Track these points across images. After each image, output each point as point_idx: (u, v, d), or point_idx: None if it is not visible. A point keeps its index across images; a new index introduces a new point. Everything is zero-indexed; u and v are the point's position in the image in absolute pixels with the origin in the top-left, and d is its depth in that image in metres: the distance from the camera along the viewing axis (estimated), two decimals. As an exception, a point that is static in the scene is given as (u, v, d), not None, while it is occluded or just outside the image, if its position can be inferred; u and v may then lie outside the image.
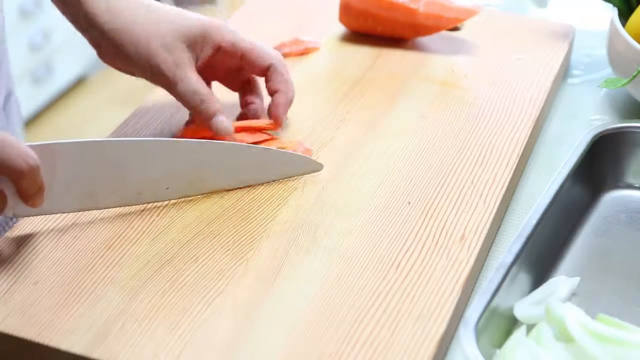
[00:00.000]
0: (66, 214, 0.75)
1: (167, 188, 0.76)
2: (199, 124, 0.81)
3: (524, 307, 0.67)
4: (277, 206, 0.77)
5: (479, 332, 0.62)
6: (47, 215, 0.75)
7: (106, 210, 0.76)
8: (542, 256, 0.72)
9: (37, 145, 0.69)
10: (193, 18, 0.81)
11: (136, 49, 0.79)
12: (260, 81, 0.86)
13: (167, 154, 0.75)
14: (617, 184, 0.82)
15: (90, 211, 0.76)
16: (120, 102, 2.55)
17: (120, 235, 0.73)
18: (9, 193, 0.69)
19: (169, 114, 0.89)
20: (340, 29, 1.04)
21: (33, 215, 0.73)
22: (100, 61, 0.83)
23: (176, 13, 0.81)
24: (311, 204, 0.77)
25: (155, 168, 0.75)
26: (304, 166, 0.80)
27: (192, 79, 0.80)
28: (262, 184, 0.79)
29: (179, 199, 0.77)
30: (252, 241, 0.73)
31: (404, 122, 0.87)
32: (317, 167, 0.80)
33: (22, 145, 0.67)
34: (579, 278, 0.71)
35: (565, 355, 0.62)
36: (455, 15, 0.99)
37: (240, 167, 0.78)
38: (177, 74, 0.80)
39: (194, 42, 0.81)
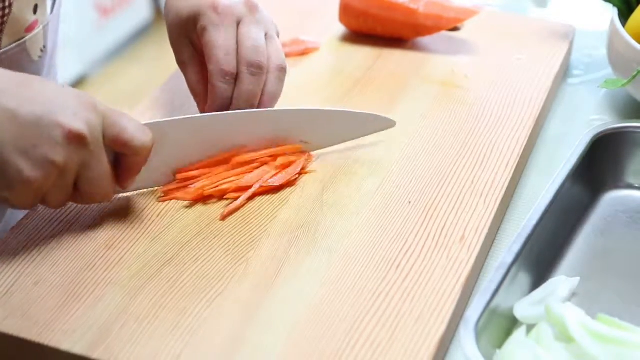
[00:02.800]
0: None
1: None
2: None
3: (524, 307, 0.67)
4: (277, 206, 0.77)
5: (479, 332, 0.62)
6: (47, 215, 0.75)
7: (106, 210, 0.76)
8: (542, 256, 0.72)
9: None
10: (186, 5, 0.82)
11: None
12: None
13: (239, 123, 0.78)
14: (617, 184, 0.82)
15: (90, 211, 0.76)
16: (120, 102, 2.54)
17: (121, 235, 0.73)
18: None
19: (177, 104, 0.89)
20: (340, 29, 1.04)
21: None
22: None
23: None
24: (311, 204, 0.77)
25: (237, 137, 0.79)
26: (375, 124, 0.83)
27: (191, 80, 0.82)
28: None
29: None
30: (252, 241, 0.73)
31: (404, 122, 0.87)
32: (389, 124, 0.83)
33: (140, 125, 0.70)
34: (579, 278, 0.71)
35: (565, 355, 0.62)
36: (455, 16, 0.99)
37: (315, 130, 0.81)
38: (182, 71, 0.84)
39: (187, 30, 0.82)
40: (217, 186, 0.77)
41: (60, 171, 0.66)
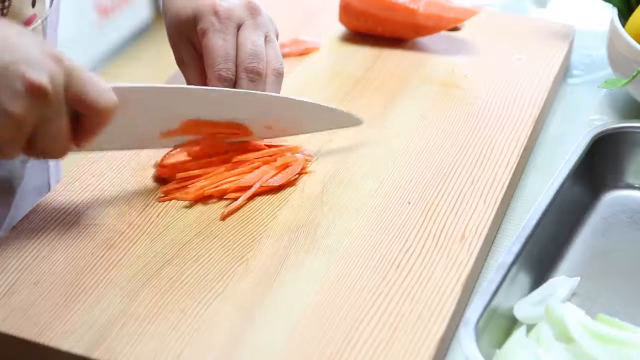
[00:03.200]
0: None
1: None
2: None
3: (524, 307, 0.67)
4: (277, 206, 0.77)
5: (479, 332, 0.62)
6: (47, 216, 0.75)
7: (106, 210, 0.76)
8: (542, 256, 0.72)
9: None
10: (185, 6, 0.82)
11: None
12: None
13: (206, 100, 0.77)
14: (617, 184, 0.82)
15: (90, 210, 0.76)
16: (120, 102, 2.55)
17: (121, 235, 0.73)
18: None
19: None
20: (340, 29, 1.04)
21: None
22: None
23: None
24: (311, 204, 0.77)
25: (196, 113, 0.77)
26: (343, 120, 0.83)
27: (191, 80, 0.82)
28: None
29: None
30: (252, 241, 0.73)
31: (404, 122, 0.87)
32: (356, 122, 0.83)
33: (103, 82, 0.68)
34: (579, 278, 0.71)
35: (565, 355, 0.62)
36: (455, 15, 0.99)
37: (278, 118, 0.80)
38: (182, 71, 0.83)
39: (187, 30, 0.82)
40: (217, 186, 0.77)
41: (18, 123, 0.63)
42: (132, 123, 0.75)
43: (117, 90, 0.70)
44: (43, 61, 0.64)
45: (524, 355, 0.62)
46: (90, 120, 0.68)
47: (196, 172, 0.78)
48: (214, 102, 0.77)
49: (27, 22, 0.81)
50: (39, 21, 0.83)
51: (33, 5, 0.80)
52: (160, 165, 0.80)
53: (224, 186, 0.77)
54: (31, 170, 0.92)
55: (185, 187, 0.77)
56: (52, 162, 0.97)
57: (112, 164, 0.81)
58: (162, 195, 0.77)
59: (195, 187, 0.77)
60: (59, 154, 0.68)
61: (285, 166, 0.79)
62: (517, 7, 1.19)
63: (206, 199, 0.77)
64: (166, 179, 0.79)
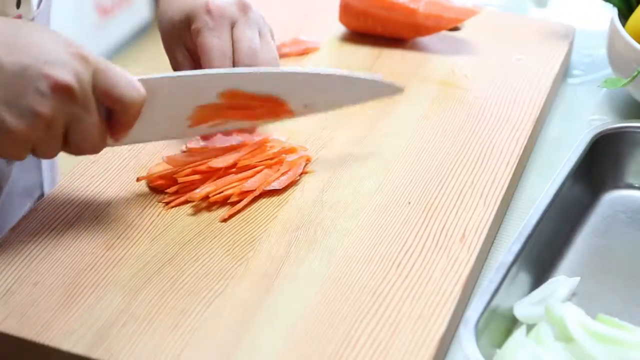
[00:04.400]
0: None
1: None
2: None
3: (524, 307, 0.67)
4: (277, 206, 0.77)
5: (479, 332, 0.62)
6: (47, 216, 0.75)
7: (106, 210, 0.76)
8: (542, 256, 0.72)
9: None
10: (180, 8, 0.81)
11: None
12: None
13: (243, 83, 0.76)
14: (617, 184, 0.82)
15: (90, 210, 0.76)
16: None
17: (121, 235, 0.73)
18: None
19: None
20: (340, 29, 1.04)
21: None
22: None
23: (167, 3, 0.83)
24: (311, 204, 0.77)
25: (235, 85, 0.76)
26: (384, 90, 0.81)
27: None
28: None
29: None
30: (252, 241, 0.73)
31: (404, 122, 0.87)
32: (396, 90, 0.81)
33: (130, 75, 0.68)
34: (579, 278, 0.71)
35: (565, 355, 0.62)
36: (455, 15, 0.99)
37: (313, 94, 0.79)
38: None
39: (181, 33, 0.81)
40: (222, 191, 0.77)
41: (47, 122, 0.65)
42: (163, 113, 0.75)
43: (147, 81, 0.71)
44: (66, 59, 0.65)
45: (524, 355, 0.62)
46: (121, 115, 0.69)
47: (197, 176, 0.77)
48: (246, 84, 0.76)
49: None
50: None
51: (18, 6, 0.79)
52: (151, 178, 0.79)
53: (228, 191, 0.77)
54: (20, 171, 0.91)
55: (190, 192, 0.76)
56: (45, 164, 0.96)
57: (111, 164, 0.81)
58: (166, 203, 0.77)
59: (200, 194, 0.76)
60: (93, 150, 0.69)
61: (288, 170, 0.79)
62: (517, 7, 1.19)
63: (211, 205, 0.77)
64: (162, 188, 0.78)
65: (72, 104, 0.65)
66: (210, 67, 0.78)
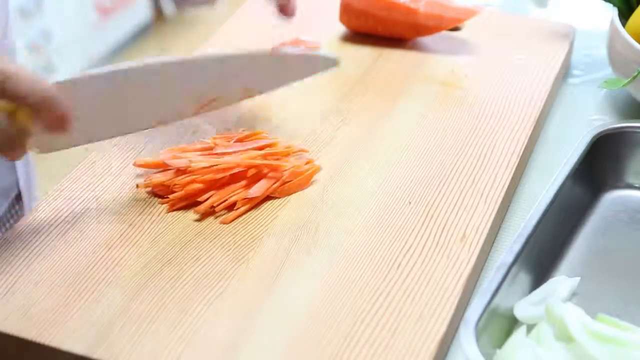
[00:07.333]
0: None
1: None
2: None
3: (524, 307, 0.67)
4: (277, 206, 0.77)
5: (479, 332, 0.62)
6: (47, 216, 0.75)
7: (106, 210, 0.76)
8: (542, 256, 0.72)
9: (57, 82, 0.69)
10: None
11: None
12: None
13: (190, 70, 0.77)
14: (617, 184, 0.82)
15: (90, 211, 0.76)
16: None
17: (121, 235, 0.73)
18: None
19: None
20: (340, 29, 1.04)
21: (58, 150, 0.73)
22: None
23: None
24: (312, 203, 0.77)
25: (176, 87, 0.77)
26: (317, 64, 0.82)
27: None
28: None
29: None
30: (252, 241, 0.73)
31: (404, 122, 0.87)
32: (332, 62, 0.82)
33: (37, 78, 0.66)
34: (579, 278, 0.71)
35: (565, 355, 0.62)
36: (455, 15, 0.99)
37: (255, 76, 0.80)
38: None
39: None
40: (227, 200, 0.76)
41: None
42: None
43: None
44: None
45: (524, 355, 0.62)
46: (44, 112, 0.66)
47: (201, 185, 0.76)
48: (188, 72, 0.77)
49: None
50: None
51: None
52: (150, 185, 0.78)
53: (233, 199, 0.76)
54: None
55: (195, 202, 0.76)
56: (19, 164, 0.95)
57: (111, 165, 0.81)
58: (168, 208, 0.77)
59: (205, 205, 0.75)
60: (12, 156, 0.68)
61: (292, 176, 0.78)
62: (517, 7, 1.19)
63: (215, 213, 0.76)
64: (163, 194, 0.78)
65: None
66: None
